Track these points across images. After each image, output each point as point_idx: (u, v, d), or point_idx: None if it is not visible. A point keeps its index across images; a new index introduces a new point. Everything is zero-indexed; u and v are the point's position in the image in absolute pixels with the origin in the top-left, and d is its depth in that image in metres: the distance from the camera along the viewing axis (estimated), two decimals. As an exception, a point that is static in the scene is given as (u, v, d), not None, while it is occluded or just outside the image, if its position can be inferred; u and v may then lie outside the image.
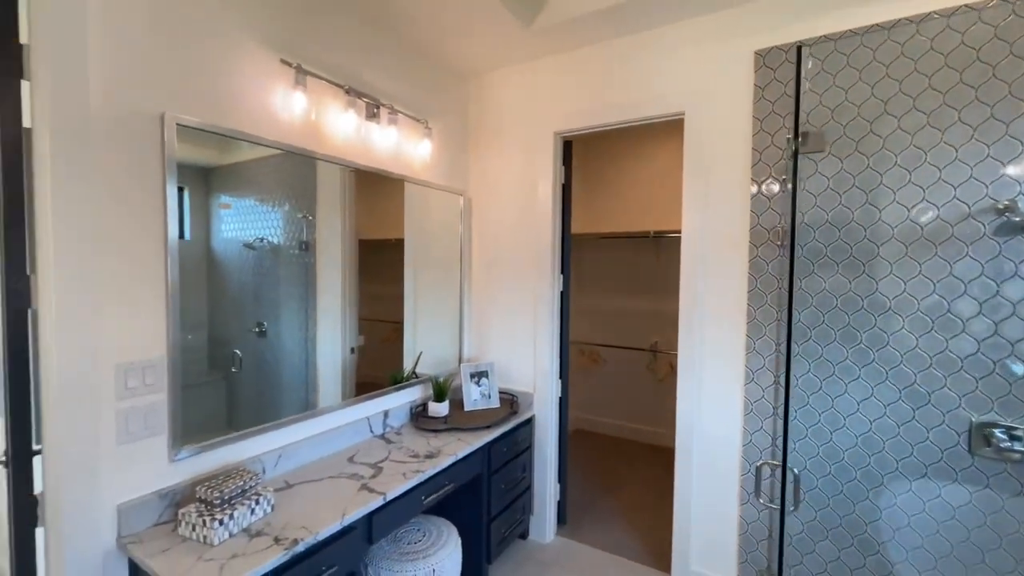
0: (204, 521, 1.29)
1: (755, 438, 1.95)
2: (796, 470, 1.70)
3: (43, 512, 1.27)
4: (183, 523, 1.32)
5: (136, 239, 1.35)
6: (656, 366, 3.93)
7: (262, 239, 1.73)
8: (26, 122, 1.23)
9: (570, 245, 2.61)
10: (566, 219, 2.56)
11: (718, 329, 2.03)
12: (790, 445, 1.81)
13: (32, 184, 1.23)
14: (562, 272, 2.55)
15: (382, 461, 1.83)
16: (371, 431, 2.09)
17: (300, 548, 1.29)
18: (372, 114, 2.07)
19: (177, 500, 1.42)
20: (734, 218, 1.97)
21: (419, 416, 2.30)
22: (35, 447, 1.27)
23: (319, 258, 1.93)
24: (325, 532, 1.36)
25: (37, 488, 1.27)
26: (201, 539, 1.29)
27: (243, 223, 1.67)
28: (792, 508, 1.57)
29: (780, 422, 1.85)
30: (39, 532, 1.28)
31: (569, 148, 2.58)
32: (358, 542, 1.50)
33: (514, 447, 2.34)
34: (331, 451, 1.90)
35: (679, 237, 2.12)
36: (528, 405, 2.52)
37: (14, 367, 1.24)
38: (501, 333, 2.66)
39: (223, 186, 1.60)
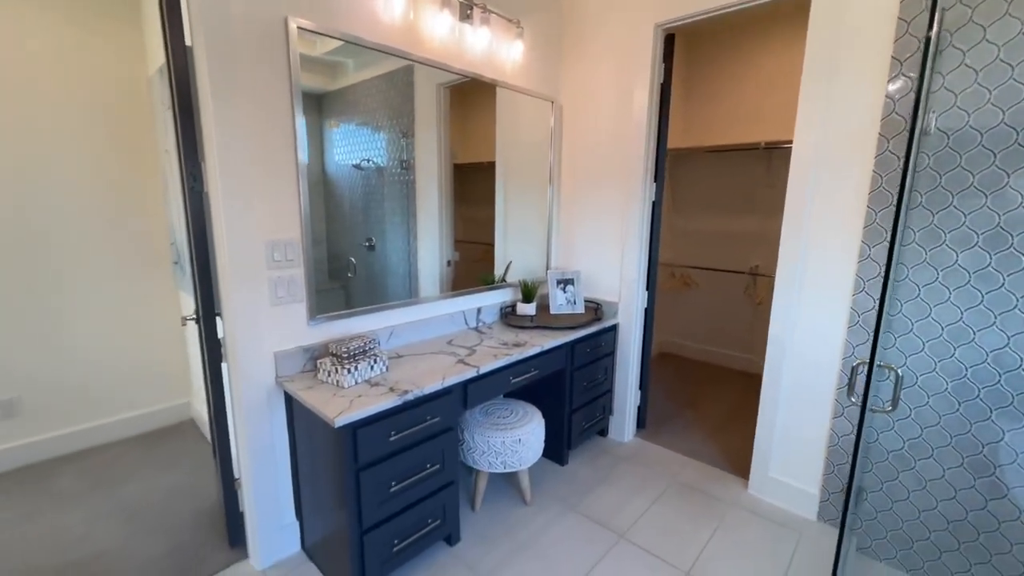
0: (336, 369, 1.59)
1: (858, 351, 1.83)
2: (899, 371, 1.58)
3: (225, 353, 1.65)
4: (320, 370, 1.64)
5: (271, 140, 1.58)
6: (755, 290, 3.72)
7: (368, 160, 1.90)
8: (187, 40, 1.47)
9: (665, 151, 2.48)
10: (663, 122, 2.42)
11: (826, 238, 1.86)
12: (899, 356, 1.68)
13: (196, 87, 1.48)
14: (655, 180, 2.46)
15: (476, 346, 2.05)
16: (466, 323, 2.32)
17: (409, 397, 1.54)
18: (466, 15, 2.08)
19: (315, 354, 1.75)
20: (860, 113, 1.72)
21: (508, 315, 2.48)
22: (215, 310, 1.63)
23: (418, 177, 2.08)
24: (429, 389, 1.61)
25: (220, 335, 1.65)
26: (335, 383, 1.60)
27: (351, 145, 1.85)
28: (889, 408, 1.49)
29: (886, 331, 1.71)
30: (224, 367, 1.68)
31: (671, 44, 2.37)
32: (455, 404, 1.75)
33: (596, 349, 2.45)
34: (431, 335, 2.16)
35: (791, 148, 1.91)
36: (613, 314, 2.58)
37: (198, 243, 1.57)
38: (588, 243, 2.69)
39: (333, 111, 1.76)
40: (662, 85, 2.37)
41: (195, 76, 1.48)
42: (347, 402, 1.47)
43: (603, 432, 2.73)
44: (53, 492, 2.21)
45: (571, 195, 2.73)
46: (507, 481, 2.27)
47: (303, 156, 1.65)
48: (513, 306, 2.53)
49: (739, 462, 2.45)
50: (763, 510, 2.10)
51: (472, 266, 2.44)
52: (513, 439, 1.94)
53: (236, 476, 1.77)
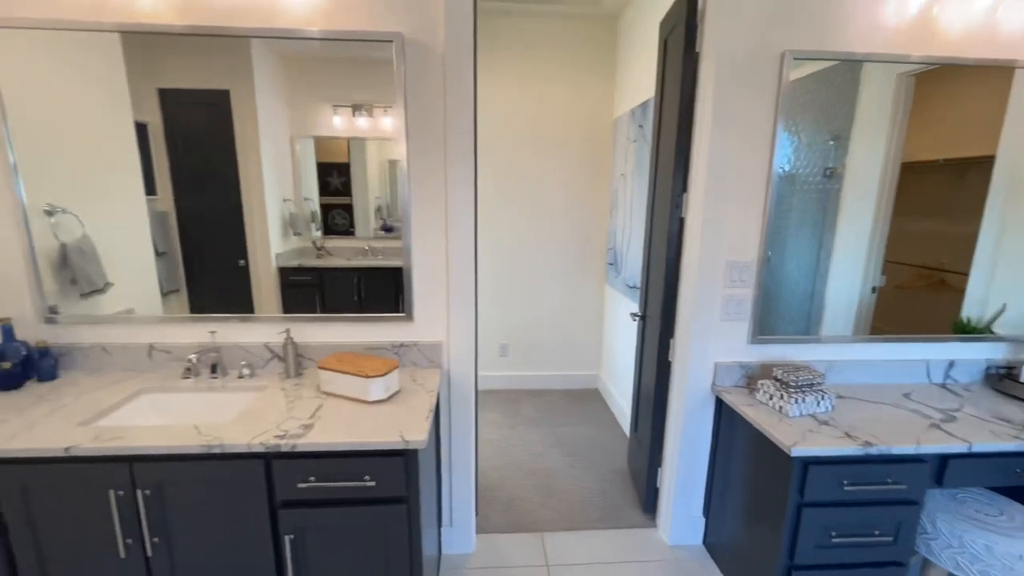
0: (782, 395, 1.59)
1: None
2: None
3: (672, 353, 1.94)
4: (761, 391, 1.69)
5: (748, 165, 1.70)
6: None
7: (780, 168, 1.74)
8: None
9: None
10: None
11: None
12: None
13: (695, 119, 1.76)
14: None
15: (954, 411, 1.62)
16: (928, 377, 1.88)
17: (873, 451, 1.38)
18: (1012, -14, 1.60)
19: (749, 372, 1.82)
20: None
21: (1002, 379, 1.84)
22: (645, 311, 1.92)
23: (846, 184, 1.78)
24: (898, 449, 1.39)
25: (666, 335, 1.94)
26: (777, 408, 1.61)
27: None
28: None
29: None
30: (673, 366, 1.98)
31: None
32: (925, 476, 1.45)
33: None
34: (878, 381, 1.86)
35: None
36: None
37: (670, 260, 1.89)
38: None
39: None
40: None
41: (692, 112, 1.75)
42: (798, 433, 1.45)
43: None
44: (522, 414, 3.21)
45: None
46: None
47: (773, 182, 1.70)
48: (1011, 369, 1.86)
49: None
50: None
51: (908, 296, 1.92)
52: (1012, 552, 1.45)
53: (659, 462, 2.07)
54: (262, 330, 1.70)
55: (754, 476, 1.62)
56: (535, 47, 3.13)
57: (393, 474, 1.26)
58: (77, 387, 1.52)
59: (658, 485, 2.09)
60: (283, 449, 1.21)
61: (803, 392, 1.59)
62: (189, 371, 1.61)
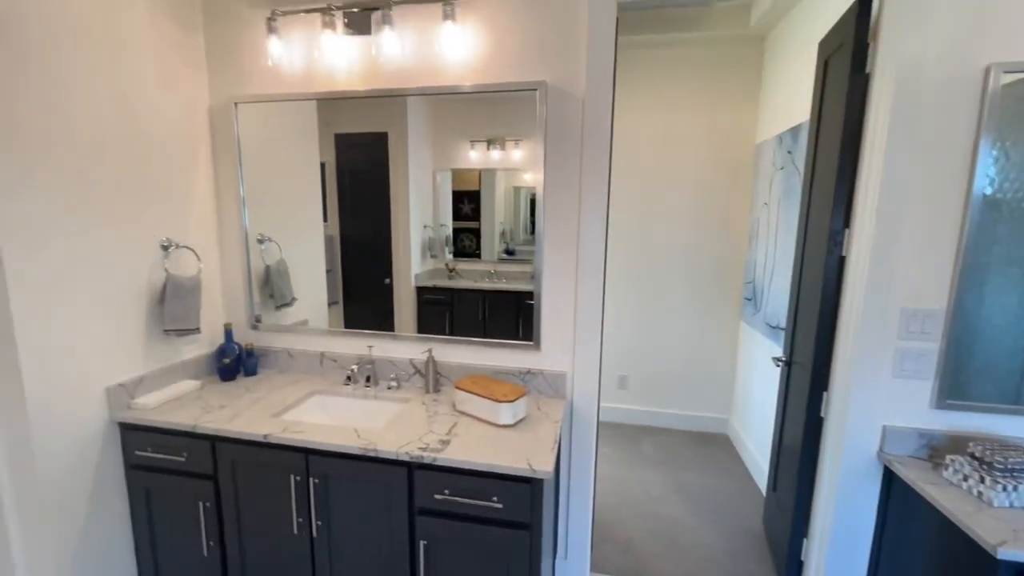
0: (982, 478, 1.30)
1: None
2: None
3: (826, 408, 1.71)
4: (950, 469, 1.39)
5: (936, 194, 1.45)
6: None
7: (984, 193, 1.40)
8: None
9: None
10: None
11: None
12: None
13: (862, 145, 1.56)
14: None
15: None
16: None
17: None
18: None
19: (932, 444, 1.51)
20: None
21: None
22: (789, 357, 1.70)
23: None
24: None
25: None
26: (974, 493, 1.31)
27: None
28: None
29: None
30: (827, 424, 1.74)
31: None
32: None
33: None
34: None
35: None
36: None
37: (824, 302, 1.68)
38: None
39: None
40: None
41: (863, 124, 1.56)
42: (1006, 530, 1.16)
43: None
44: (641, 452, 3.07)
45: None
46: None
47: (973, 210, 1.42)
48: None
49: None
50: None
51: None
52: None
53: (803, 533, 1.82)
54: (407, 347, 1.91)
55: (939, 574, 1.33)
56: (671, 73, 3.08)
57: (519, 500, 1.31)
58: (270, 383, 1.87)
59: (803, 558, 1.83)
60: (425, 461, 1.34)
61: (1013, 478, 1.28)
62: (349, 378, 1.87)
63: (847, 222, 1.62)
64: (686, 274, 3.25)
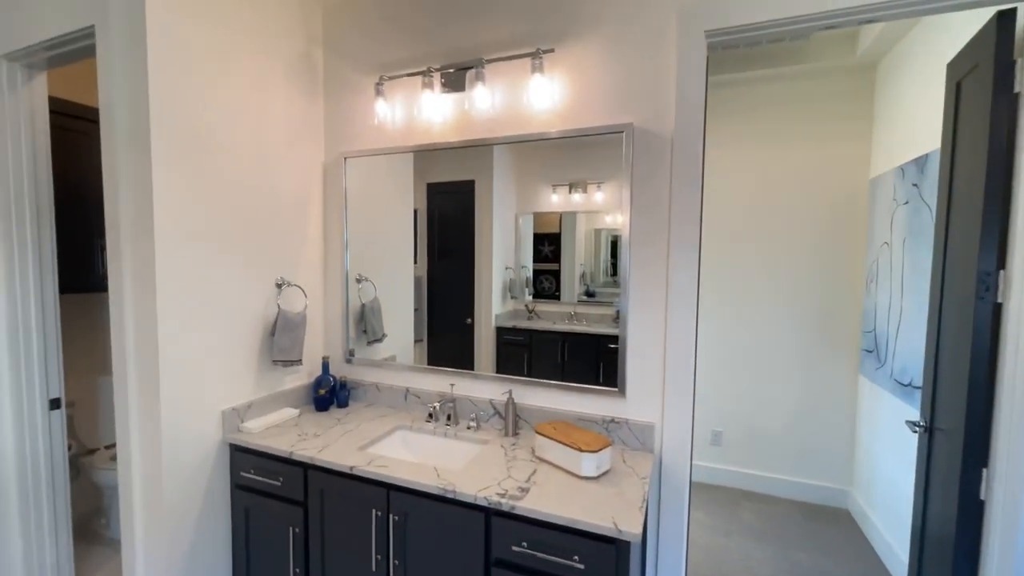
0: None
1: None
2: None
3: (987, 491, 1.39)
4: None
5: None
6: None
7: None
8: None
9: None
10: None
11: None
12: None
13: (1014, 182, 1.33)
14: None
15: None
16: None
17: None
18: None
19: None
20: None
21: None
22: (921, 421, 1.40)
23: None
24: None
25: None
26: None
27: None
28: None
29: None
30: (989, 508, 1.42)
31: None
32: None
33: None
34: None
35: None
36: None
37: (976, 358, 1.41)
38: None
39: None
40: None
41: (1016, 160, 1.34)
42: None
43: None
44: (740, 519, 2.71)
45: None
46: None
47: None
48: None
49: None
50: None
51: None
52: None
53: (965, 638, 1.45)
54: (488, 387, 1.90)
55: None
56: (770, 108, 2.94)
57: (603, 562, 1.20)
58: (359, 416, 1.96)
59: None
60: (503, 508, 1.28)
61: None
62: (431, 415, 1.90)
63: (1001, 262, 1.37)
64: (791, 321, 2.94)
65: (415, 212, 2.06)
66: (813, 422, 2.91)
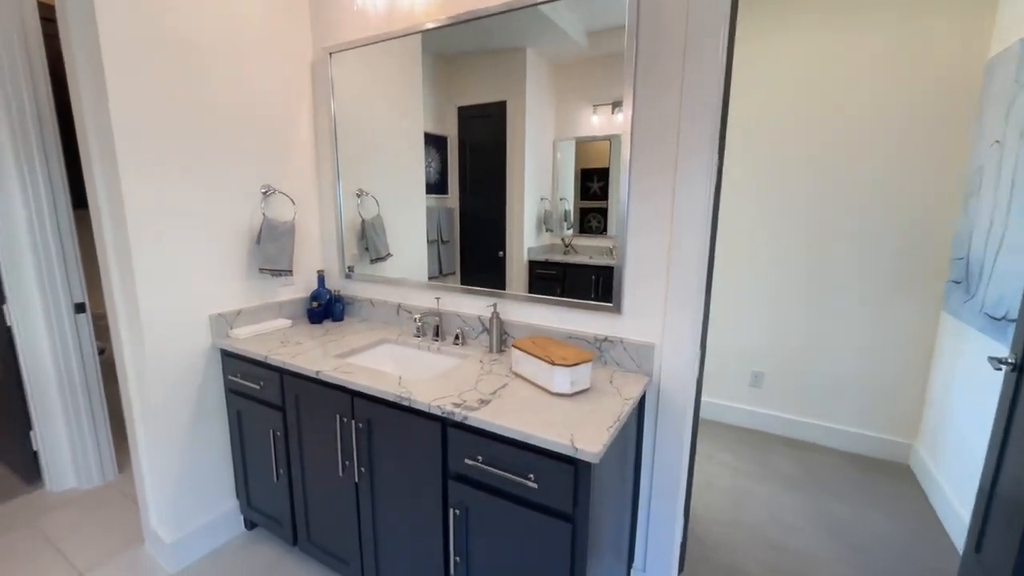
0: None
1: None
2: None
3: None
4: None
5: None
6: None
7: None
8: None
9: None
10: None
11: None
12: None
13: None
14: None
15: None
16: None
17: None
18: None
19: None
20: None
21: None
22: None
23: None
24: None
25: None
26: None
27: None
28: None
29: None
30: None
31: None
32: None
33: None
34: None
35: None
36: None
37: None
38: None
39: None
40: None
41: None
42: None
43: None
44: (772, 466, 2.46)
45: None
46: None
47: None
48: None
49: None
50: None
51: None
52: None
53: (1028, 612, 1.18)
54: (478, 302, 1.75)
55: None
56: (848, -16, 2.33)
57: (559, 483, 1.06)
58: (351, 329, 1.90)
59: (1023, 663, 1.19)
60: (456, 418, 1.16)
61: None
62: (419, 331, 1.79)
63: None
64: (858, 245, 2.48)
65: (444, 140, 1.86)
66: (878, 365, 2.50)
